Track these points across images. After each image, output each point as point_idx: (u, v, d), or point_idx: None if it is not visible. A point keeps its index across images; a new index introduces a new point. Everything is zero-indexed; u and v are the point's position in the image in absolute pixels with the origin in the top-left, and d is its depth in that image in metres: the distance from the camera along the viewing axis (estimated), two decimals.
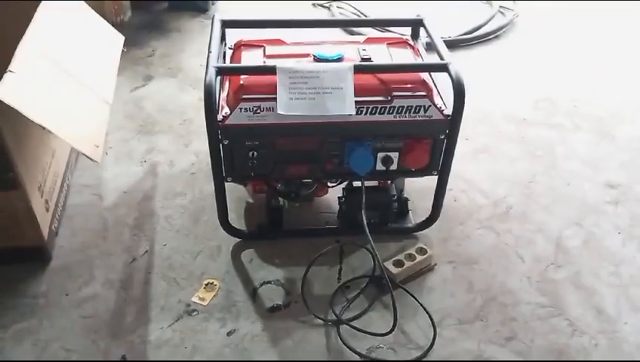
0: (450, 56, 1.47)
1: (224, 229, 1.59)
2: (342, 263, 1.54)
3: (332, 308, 1.44)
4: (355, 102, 1.40)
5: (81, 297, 1.46)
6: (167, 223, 1.69)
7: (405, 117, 1.43)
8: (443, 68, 1.44)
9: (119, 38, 1.90)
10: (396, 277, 1.51)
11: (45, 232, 1.52)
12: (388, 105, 1.43)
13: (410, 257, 1.55)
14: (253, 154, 1.45)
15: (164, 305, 1.45)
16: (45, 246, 1.51)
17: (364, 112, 1.42)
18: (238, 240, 1.62)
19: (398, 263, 1.53)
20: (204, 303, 1.46)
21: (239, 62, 1.53)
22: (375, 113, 1.43)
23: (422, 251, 1.57)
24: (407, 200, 1.71)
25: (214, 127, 1.38)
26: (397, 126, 1.44)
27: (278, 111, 1.37)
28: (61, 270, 1.53)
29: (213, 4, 2.94)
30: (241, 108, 1.39)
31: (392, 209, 1.65)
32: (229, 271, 1.54)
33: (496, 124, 2.18)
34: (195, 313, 1.43)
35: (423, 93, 1.44)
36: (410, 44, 1.65)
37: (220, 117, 1.39)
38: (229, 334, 1.38)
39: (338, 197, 1.63)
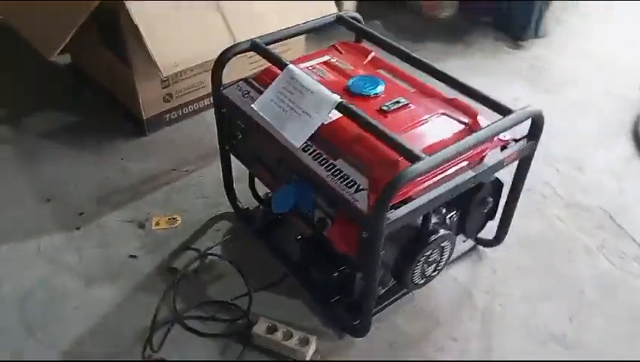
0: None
1: (226, 194, 1.65)
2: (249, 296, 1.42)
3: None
4: (313, 139, 1.21)
5: (111, 165, 1.82)
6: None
7: (336, 184, 1.15)
8: (412, 157, 1.07)
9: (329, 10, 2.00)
10: (254, 338, 1.31)
11: (148, 114, 1.91)
12: (330, 161, 1.18)
13: (286, 336, 1.29)
14: (238, 134, 1.45)
15: (136, 206, 1.68)
16: (142, 123, 1.92)
17: (309, 152, 1.22)
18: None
19: (271, 329, 1.31)
20: (154, 226, 1.61)
21: (308, 58, 1.47)
22: (316, 160, 1.20)
23: (302, 341, 1.28)
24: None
25: (217, 92, 1.43)
26: (324, 187, 1.18)
27: (252, 105, 1.32)
28: (137, 146, 1.91)
29: (537, 37, 2.59)
30: (238, 86, 1.40)
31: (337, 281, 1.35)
32: (198, 224, 1.62)
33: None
34: (140, 227, 1.61)
35: (371, 173, 1.12)
36: (471, 120, 1.24)
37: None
38: (130, 256, 1.53)
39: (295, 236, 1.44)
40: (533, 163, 1.86)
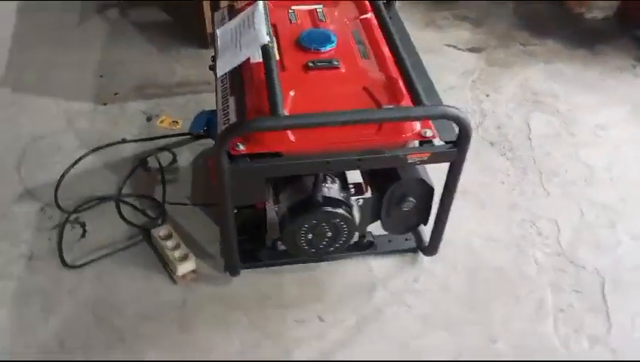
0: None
1: None
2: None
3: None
4: (234, 72, 1.23)
5: (165, 63, 2.03)
6: None
7: (220, 118, 1.18)
8: (273, 111, 1.04)
9: None
10: (151, 237, 1.43)
11: (211, 29, 2.05)
12: (227, 96, 1.19)
13: (174, 247, 1.39)
14: None
15: (157, 102, 1.87)
16: (205, 36, 2.07)
17: (223, 84, 1.25)
18: None
19: (167, 236, 1.42)
20: (157, 123, 1.79)
21: (304, 3, 1.45)
22: (221, 92, 1.23)
23: (183, 257, 1.37)
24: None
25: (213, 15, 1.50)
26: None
27: (217, 28, 1.38)
28: (194, 55, 2.08)
29: None
30: (223, 13, 1.46)
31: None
32: None
33: None
34: (148, 119, 1.81)
35: (242, 116, 1.11)
36: (391, 104, 1.14)
37: None
38: (122, 139, 1.73)
39: None
40: (557, 194, 1.63)
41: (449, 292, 1.38)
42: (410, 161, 1.14)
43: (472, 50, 2.19)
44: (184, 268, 1.36)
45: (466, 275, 1.42)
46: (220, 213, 1.20)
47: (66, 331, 1.27)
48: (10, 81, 1.94)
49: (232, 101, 1.18)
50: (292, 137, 1.10)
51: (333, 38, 1.27)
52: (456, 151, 1.14)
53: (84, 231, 1.48)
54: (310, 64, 1.20)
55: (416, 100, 1.09)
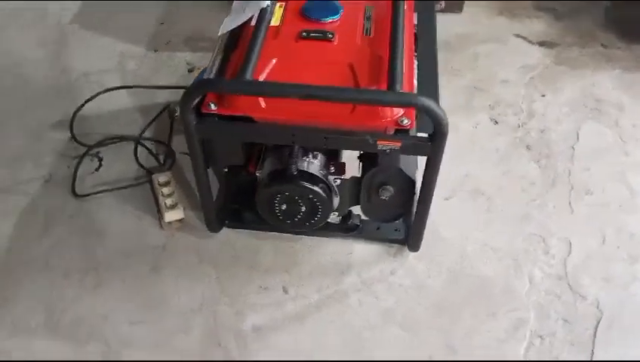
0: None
1: None
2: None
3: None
4: (232, 32, 1.24)
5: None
6: None
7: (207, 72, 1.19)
8: (239, 75, 1.03)
9: None
10: (152, 179, 1.50)
11: None
12: (218, 55, 1.21)
13: (168, 194, 1.45)
14: None
15: (203, 55, 1.92)
16: None
17: (220, 42, 1.25)
18: None
19: (165, 183, 1.48)
20: (196, 73, 1.84)
21: None
22: (216, 51, 1.23)
23: (172, 206, 1.42)
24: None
25: None
26: None
27: None
28: None
29: None
30: None
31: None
32: None
33: None
34: (189, 70, 1.87)
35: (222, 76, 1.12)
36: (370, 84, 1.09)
37: None
38: (159, 86, 1.81)
39: None
40: (582, 214, 1.50)
41: (423, 291, 1.32)
42: (380, 147, 1.08)
43: (542, 44, 2.01)
44: (171, 215, 1.42)
45: (448, 278, 1.34)
46: (193, 169, 1.23)
47: (53, 252, 1.38)
48: (81, 19, 2.10)
49: (217, 60, 1.19)
50: (263, 104, 1.10)
51: (339, 9, 1.23)
52: (430, 145, 1.06)
53: (100, 165, 1.59)
54: (304, 34, 1.18)
55: (390, 85, 1.03)
